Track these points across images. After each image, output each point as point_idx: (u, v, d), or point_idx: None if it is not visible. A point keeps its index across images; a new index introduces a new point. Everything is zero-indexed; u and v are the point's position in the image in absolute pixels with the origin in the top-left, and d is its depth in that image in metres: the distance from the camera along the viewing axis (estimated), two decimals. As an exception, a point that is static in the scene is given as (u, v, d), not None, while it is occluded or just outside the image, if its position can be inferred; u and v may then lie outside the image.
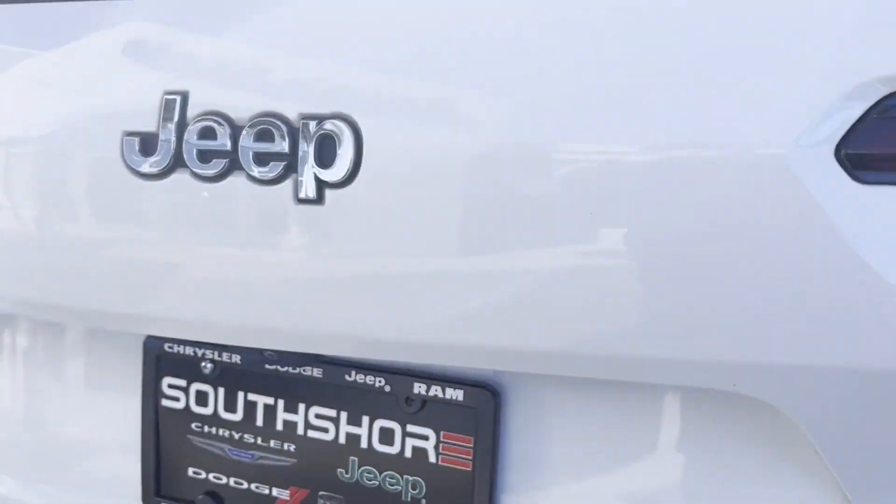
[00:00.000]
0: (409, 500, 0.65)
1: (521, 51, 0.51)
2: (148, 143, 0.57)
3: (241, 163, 0.55)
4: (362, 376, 0.65)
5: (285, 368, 0.67)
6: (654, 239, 0.49)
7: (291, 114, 0.54)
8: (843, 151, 0.44)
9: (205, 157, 0.56)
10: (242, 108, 0.55)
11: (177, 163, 0.57)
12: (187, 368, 0.71)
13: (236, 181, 0.55)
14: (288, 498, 0.69)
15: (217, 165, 0.56)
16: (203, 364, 0.70)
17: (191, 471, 0.72)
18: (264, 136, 0.54)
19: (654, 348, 0.52)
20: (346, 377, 0.65)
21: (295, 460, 0.68)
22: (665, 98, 0.49)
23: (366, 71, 0.54)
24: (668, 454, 0.59)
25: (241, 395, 0.69)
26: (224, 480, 0.71)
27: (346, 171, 0.53)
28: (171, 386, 0.72)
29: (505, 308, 0.54)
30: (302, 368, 0.67)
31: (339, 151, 0.53)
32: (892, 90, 0.43)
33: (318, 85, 0.54)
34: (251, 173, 0.55)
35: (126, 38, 0.60)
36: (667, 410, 0.59)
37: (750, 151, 0.46)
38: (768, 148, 0.45)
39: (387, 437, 0.65)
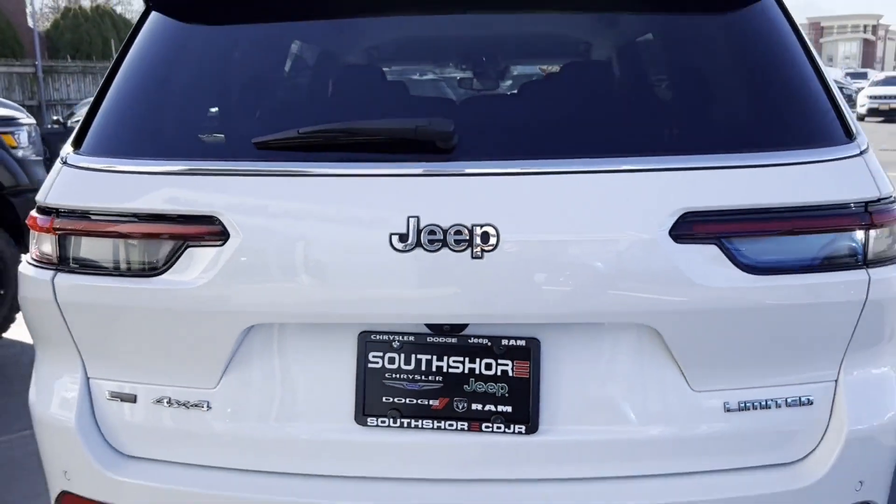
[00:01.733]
0: (499, 395, 1.43)
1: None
2: (404, 237, 1.34)
3: (448, 244, 1.34)
4: (476, 339, 1.43)
5: (436, 340, 1.44)
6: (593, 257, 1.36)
7: (467, 223, 1.34)
8: (672, 233, 1.35)
9: (430, 242, 1.34)
10: (443, 217, 1.34)
11: (418, 244, 1.34)
12: (383, 345, 1.44)
13: (444, 251, 1.34)
14: (438, 403, 1.43)
15: (436, 245, 1.34)
16: (394, 340, 1.44)
17: (383, 398, 1.44)
18: (456, 233, 1.34)
19: (611, 307, 1.38)
20: (469, 341, 1.44)
21: (441, 384, 1.43)
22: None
23: (501, 206, 1.36)
24: (611, 358, 1.44)
25: (413, 356, 1.44)
26: (403, 401, 1.43)
27: (494, 245, 1.34)
28: (374, 355, 1.44)
29: (550, 296, 1.37)
30: (446, 338, 1.44)
31: (492, 235, 1.34)
32: (687, 211, 1.35)
33: (477, 212, 1.36)
34: (453, 247, 1.33)
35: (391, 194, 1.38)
36: (608, 339, 1.45)
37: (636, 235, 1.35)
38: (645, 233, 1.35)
39: (487, 366, 1.43)
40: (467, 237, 1.33)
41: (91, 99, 1.63)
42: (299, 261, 1.39)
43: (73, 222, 1.48)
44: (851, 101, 28.82)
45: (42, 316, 1.55)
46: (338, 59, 1.98)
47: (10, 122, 4.94)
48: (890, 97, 23.97)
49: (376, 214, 1.37)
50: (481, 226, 1.34)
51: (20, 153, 4.95)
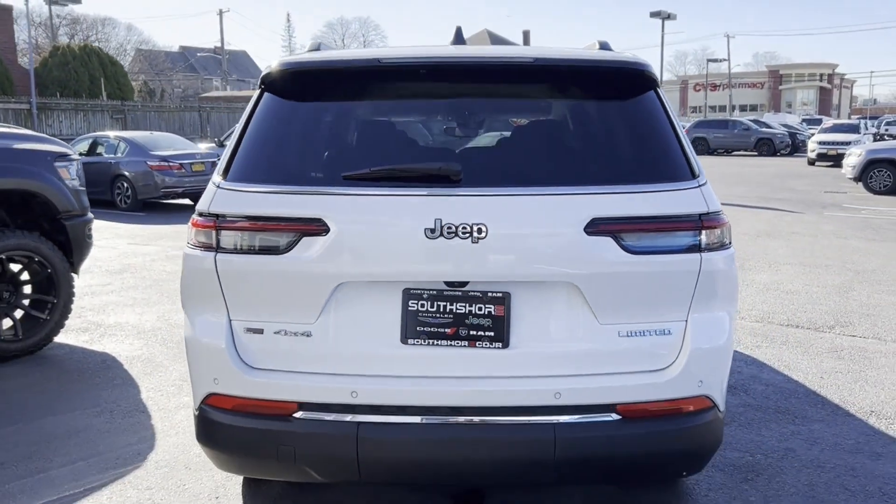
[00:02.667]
0: (484, 325, 2.39)
1: None
2: (432, 230, 2.31)
3: (458, 234, 2.31)
4: (474, 292, 2.41)
5: (449, 292, 2.41)
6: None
7: (469, 222, 2.31)
8: (585, 229, 2.34)
9: (447, 233, 2.31)
10: (455, 219, 2.31)
11: (440, 234, 2.31)
12: (417, 296, 2.41)
13: (455, 239, 2.31)
14: (450, 331, 2.40)
15: (451, 235, 2.31)
16: (424, 293, 2.41)
17: (417, 328, 2.39)
18: (463, 228, 2.31)
19: (551, 273, 2.37)
20: (469, 293, 2.41)
21: (452, 319, 2.40)
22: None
23: (488, 213, 2.34)
24: (552, 303, 2.42)
25: (436, 302, 2.41)
26: (429, 329, 2.39)
27: (485, 234, 2.32)
28: (412, 302, 2.41)
29: (516, 264, 2.36)
30: (455, 291, 2.41)
31: (483, 230, 2.32)
32: (594, 217, 2.34)
33: (474, 216, 2.33)
34: (461, 237, 2.30)
35: (424, 210, 2.35)
36: (550, 291, 2.43)
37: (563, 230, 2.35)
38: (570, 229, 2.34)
39: (480, 308, 2.41)
40: (469, 231, 2.31)
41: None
42: (371, 244, 2.36)
43: (227, 222, 2.44)
44: (805, 146, 30.56)
45: (203, 282, 2.49)
46: (389, 121, 2.97)
47: (65, 157, 5.85)
48: (836, 143, 25.56)
49: (416, 217, 2.34)
50: (477, 224, 2.32)
51: (71, 184, 5.86)
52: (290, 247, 2.38)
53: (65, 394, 4.76)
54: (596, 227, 2.34)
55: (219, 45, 55.34)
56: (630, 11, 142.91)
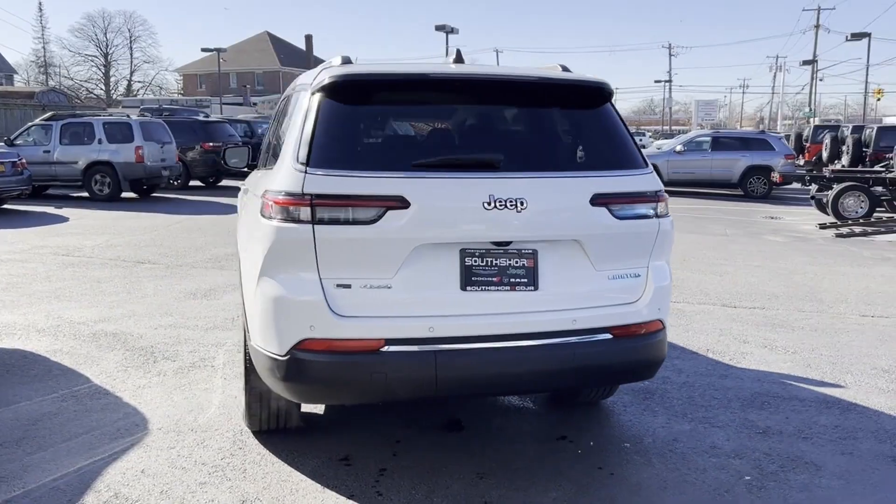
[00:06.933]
0: (521, 274, 3.22)
1: None
2: (488, 203, 3.09)
3: (507, 206, 3.11)
4: (512, 250, 3.22)
5: (495, 250, 3.22)
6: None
7: (514, 197, 3.11)
8: (590, 202, 3.28)
9: (499, 205, 3.10)
10: (504, 195, 3.09)
11: (494, 206, 3.09)
12: (472, 254, 3.19)
13: (504, 210, 3.10)
14: (497, 279, 3.18)
15: (501, 207, 3.10)
16: (476, 251, 3.19)
17: (472, 278, 3.14)
18: (509, 201, 3.11)
19: (565, 233, 3.28)
20: (508, 251, 3.23)
21: (497, 270, 3.19)
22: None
23: (526, 190, 3.18)
24: (564, 256, 3.32)
25: (485, 258, 3.19)
26: (481, 279, 3.15)
27: (524, 207, 3.15)
28: (467, 259, 3.19)
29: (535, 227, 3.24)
30: (500, 249, 3.21)
31: (524, 202, 3.15)
32: (595, 192, 3.28)
33: (516, 193, 3.16)
34: (508, 208, 3.10)
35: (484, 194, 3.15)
36: (562, 247, 3.34)
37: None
38: (581, 201, 3.28)
39: (517, 262, 3.22)
40: (514, 203, 3.13)
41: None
42: (441, 215, 3.10)
43: (321, 199, 3.04)
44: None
45: (296, 250, 3.05)
46: (435, 120, 3.64)
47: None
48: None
49: (476, 194, 3.10)
50: (520, 198, 3.15)
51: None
52: (377, 218, 3.05)
53: (8, 386, 4.78)
54: (596, 199, 3.28)
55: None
56: (418, 24, 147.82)
